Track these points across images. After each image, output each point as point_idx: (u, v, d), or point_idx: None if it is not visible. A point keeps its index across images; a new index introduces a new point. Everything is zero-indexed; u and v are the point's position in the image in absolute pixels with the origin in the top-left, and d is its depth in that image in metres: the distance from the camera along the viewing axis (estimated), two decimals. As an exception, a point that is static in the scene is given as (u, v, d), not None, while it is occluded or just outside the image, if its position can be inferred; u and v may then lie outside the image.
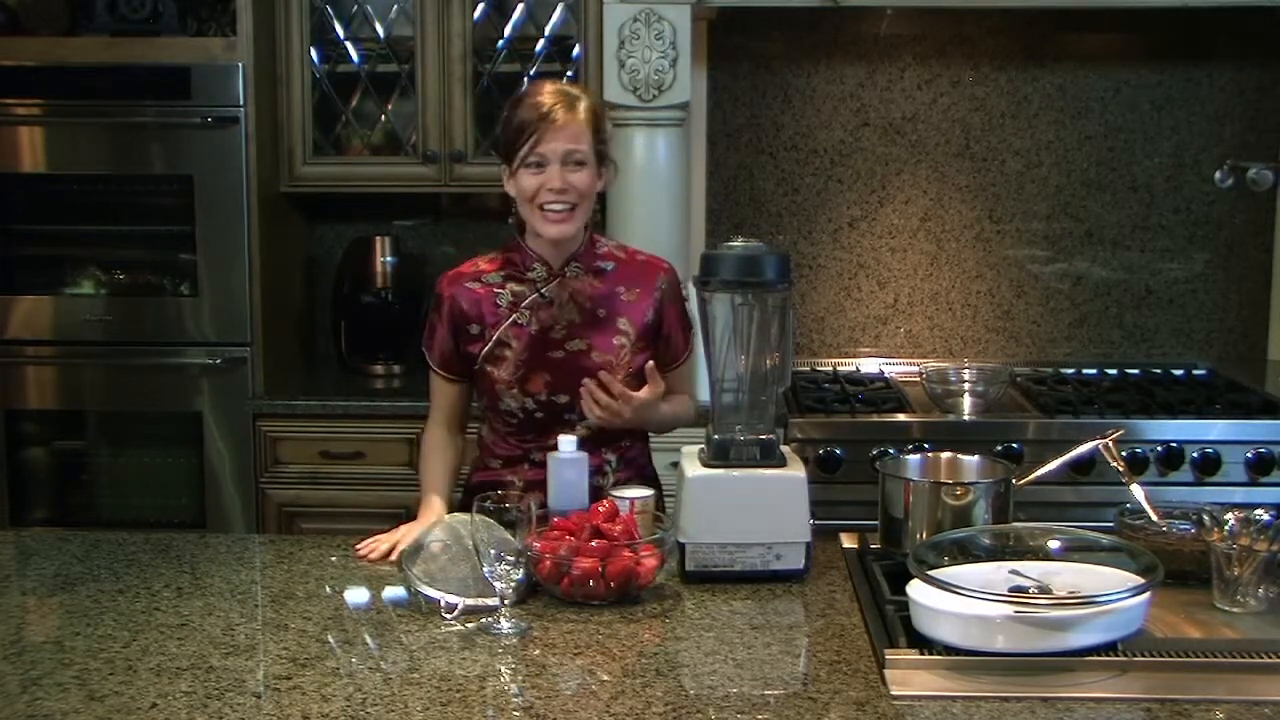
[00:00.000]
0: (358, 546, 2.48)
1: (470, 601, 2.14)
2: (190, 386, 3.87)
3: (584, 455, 2.40)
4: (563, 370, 2.57)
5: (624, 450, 2.65)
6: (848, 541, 2.48)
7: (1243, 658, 1.90)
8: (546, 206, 2.50)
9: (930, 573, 1.96)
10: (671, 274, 2.70)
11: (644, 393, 2.52)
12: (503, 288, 2.61)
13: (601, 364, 2.57)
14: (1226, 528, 2.12)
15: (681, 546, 2.29)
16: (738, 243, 2.37)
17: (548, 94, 2.51)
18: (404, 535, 2.44)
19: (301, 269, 4.29)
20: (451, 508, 2.61)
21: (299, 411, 3.83)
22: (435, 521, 2.38)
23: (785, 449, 2.38)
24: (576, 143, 2.49)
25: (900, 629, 1.99)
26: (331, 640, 2.06)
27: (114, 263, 3.93)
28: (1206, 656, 1.91)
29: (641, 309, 2.63)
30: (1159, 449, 3.42)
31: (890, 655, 1.91)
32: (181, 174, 3.82)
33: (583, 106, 2.53)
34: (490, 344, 2.59)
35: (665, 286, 2.66)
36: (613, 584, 2.16)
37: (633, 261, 2.68)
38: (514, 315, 2.59)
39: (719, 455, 2.34)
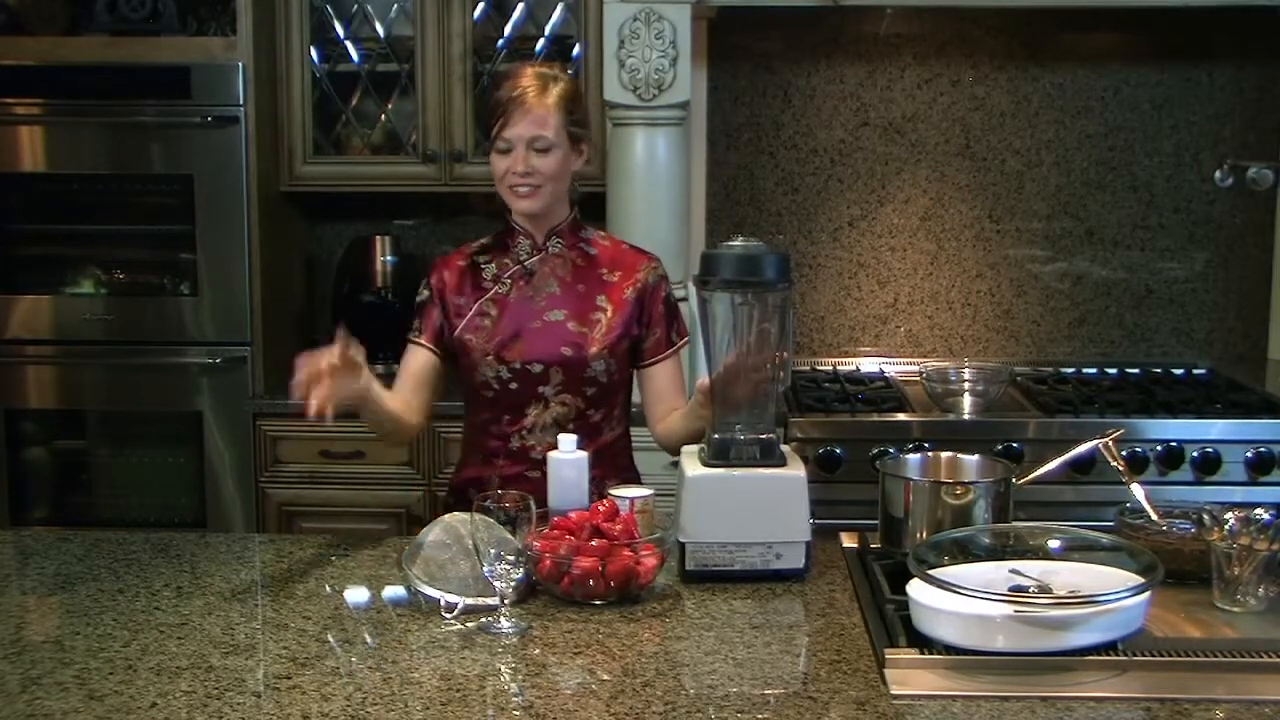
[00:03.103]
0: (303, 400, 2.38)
1: (470, 601, 2.14)
2: (190, 386, 3.87)
3: (584, 455, 2.40)
4: (539, 340, 2.61)
5: (603, 445, 2.64)
6: (848, 541, 2.47)
7: (1243, 658, 1.89)
8: (514, 187, 2.58)
9: (930, 572, 1.96)
10: (658, 267, 2.71)
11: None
12: (489, 262, 2.69)
13: (578, 335, 2.60)
14: (1226, 527, 2.12)
15: (681, 546, 2.28)
16: (738, 242, 2.37)
17: (523, 77, 2.59)
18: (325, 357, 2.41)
19: (301, 269, 4.29)
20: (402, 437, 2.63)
21: (299, 411, 3.80)
22: (436, 521, 2.37)
23: (785, 448, 2.38)
24: (542, 128, 2.54)
25: (900, 628, 1.98)
26: (331, 640, 2.06)
27: (114, 262, 3.93)
28: (1206, 656, 1.91)
29: (621, 289, 2.66)
30: (1159, 449, 3.42)
31: (890, 655, 1.91)
32: (182, 174, 3.82)
33: (555, 90, 2.58)
34: (472, 312, 2.64)
35: (649, 275, 2.68)
36: (613, 583, 2.16)
37: (619, 249, 2.73)
38: (495, 286, 2.65)
39: (719, 455, 2.33)
